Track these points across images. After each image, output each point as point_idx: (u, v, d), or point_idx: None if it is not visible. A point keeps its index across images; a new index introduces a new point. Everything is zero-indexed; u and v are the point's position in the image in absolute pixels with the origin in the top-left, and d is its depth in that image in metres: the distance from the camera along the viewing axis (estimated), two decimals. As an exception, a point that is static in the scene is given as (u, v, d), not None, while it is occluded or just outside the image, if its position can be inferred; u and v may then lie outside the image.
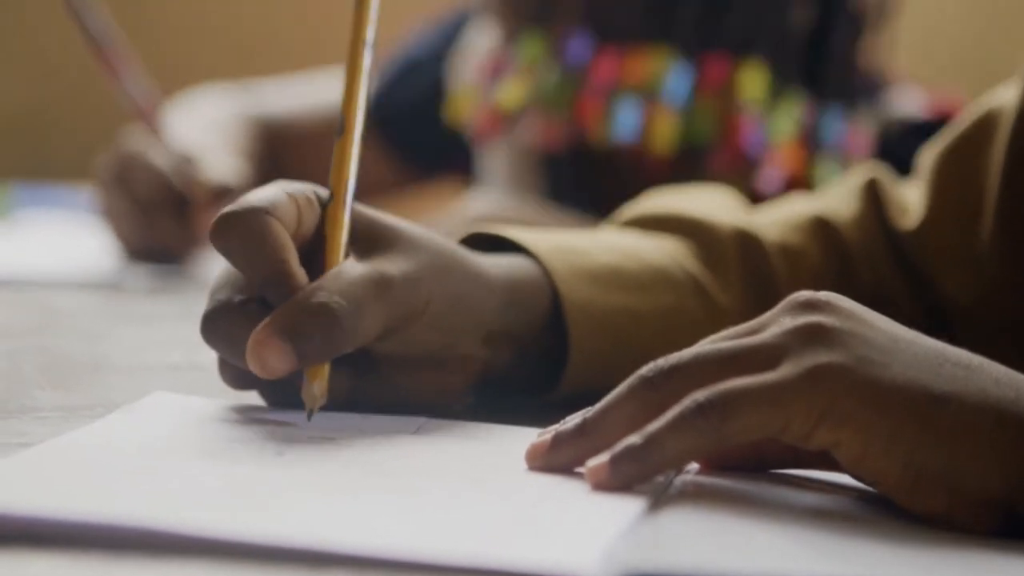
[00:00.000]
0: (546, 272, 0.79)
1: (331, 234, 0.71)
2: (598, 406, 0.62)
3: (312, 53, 2.11)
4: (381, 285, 0.71)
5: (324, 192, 0.73)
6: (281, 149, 1.56)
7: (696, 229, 0.87)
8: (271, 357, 0.67)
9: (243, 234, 0.69)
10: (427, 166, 1.63)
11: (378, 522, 0.54)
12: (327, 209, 0.72)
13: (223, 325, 0.70)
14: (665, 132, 1.33)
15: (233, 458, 0.62)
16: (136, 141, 1.41)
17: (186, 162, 1.36)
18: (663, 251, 0.85)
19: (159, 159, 1.37)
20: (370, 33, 0.74)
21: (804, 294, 0.62)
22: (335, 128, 0.74)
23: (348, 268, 0.70)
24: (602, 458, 0.60)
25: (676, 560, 0.52)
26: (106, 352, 0.93)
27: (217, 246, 0.70)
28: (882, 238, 0.90)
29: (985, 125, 0.89)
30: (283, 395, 0.72)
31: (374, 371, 0.73)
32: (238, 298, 0.70)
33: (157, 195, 1.35)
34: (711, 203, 0.90)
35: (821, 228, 0.90)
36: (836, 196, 0.93)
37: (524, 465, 0.63)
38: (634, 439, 0.59)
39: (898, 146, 1.36)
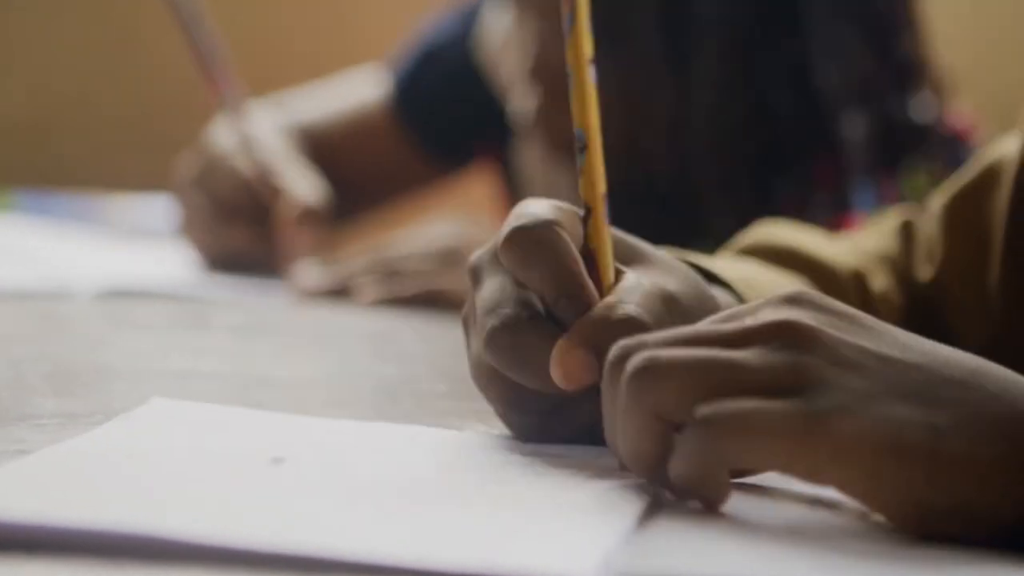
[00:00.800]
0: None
1: (600, 249, 0.69)
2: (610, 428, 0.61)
3: (327, 58, 2.10)
4: (669, 300, 0.70)
5: (575, 210, 0.71)
6: (321, 156, 1.54)
7: (816, 268, 0.87)
8: (576, 367, 0.66)
9: (539, 249, 0.68)
10: (455, 155, 1.60)
11: (377, 529, 0.54)
12: (589, 224, 0.70)
13: (513, 339, 0.68)
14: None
15: (232, 465, 0.62)
16: (219, 143, 1.39)
17: (269, 172, 1.35)
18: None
19: (242, 163, 1.35)
20: (589, 47, 0.70)
21: (793, 324, 0.59)
22: (576, 145, 0.70)
23: (639, 281, 0.69)
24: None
25: (673, 566, 0.52)
26: (106, 359, 0.93)
27: (511, 260, 0.68)
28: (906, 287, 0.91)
29: (989, 176, 0.89)
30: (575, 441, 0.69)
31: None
32: (526, 313, 0.68)
33: (238, 200, 1.34)
34: (813, 239, 0.90)
35: (892, 269, 0.90)
36: (878, 236, 0.93)
37: (523, 475, 0.63)
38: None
39: None
